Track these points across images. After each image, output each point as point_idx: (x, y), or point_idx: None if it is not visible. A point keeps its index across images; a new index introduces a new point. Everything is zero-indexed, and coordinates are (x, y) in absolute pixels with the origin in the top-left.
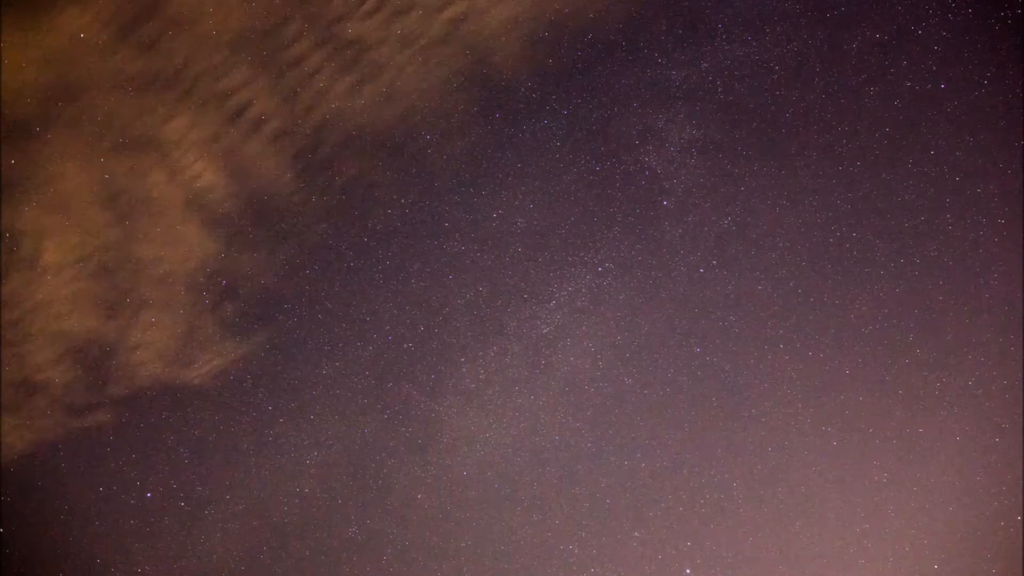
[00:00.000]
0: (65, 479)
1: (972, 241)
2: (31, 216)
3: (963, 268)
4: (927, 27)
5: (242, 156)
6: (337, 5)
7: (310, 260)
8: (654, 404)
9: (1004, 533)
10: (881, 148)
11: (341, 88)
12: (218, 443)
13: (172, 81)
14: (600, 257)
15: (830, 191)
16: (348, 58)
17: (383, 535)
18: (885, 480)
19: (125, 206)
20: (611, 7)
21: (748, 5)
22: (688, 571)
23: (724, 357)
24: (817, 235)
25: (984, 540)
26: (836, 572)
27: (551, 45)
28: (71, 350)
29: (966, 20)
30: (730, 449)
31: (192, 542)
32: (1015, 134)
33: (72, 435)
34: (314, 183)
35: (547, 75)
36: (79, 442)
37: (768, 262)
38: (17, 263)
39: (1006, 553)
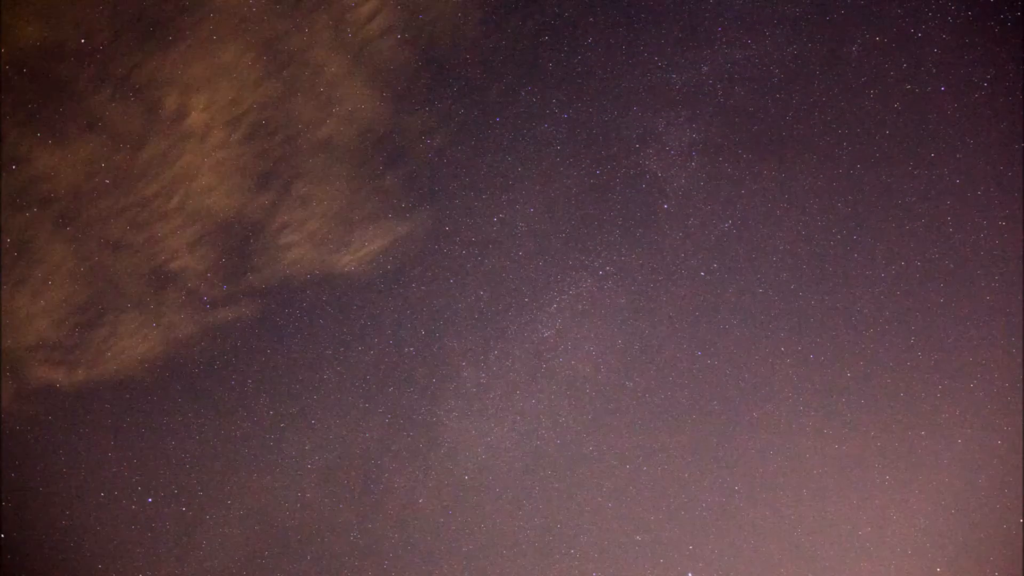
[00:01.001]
0: (66, 484)
1: (973, 244)
2: (176, 63)
3: (964, 271)
4: (926, 30)
5: None
6: None
7: (309, 265)
8: (655, 407)
9: (1006, 536)
10: (881, 151)
11: None
12: (219, 447)
13: None
14: (601, 261)
15: (830, 194)
16: None
17: (384, 539)
18: (887, 483)
19: (285, 54)
20: (611, 10)
21: (748, 8)
22: (690, 575)
23: (725, 360)
24: (817, 238)
25: (986, 543)
26: (838, 575)
27: (551, 49)
28: (212, 230)
29: (965, 22)
30: (732, 452)
31: (193, 547)
32: (1015, 136)
33: (207, 332)
34: (506, 26)
35: (547, 79)
36: (214, 340)
37: (768, 265)
38: (159, 123)
39: (1008, 556)
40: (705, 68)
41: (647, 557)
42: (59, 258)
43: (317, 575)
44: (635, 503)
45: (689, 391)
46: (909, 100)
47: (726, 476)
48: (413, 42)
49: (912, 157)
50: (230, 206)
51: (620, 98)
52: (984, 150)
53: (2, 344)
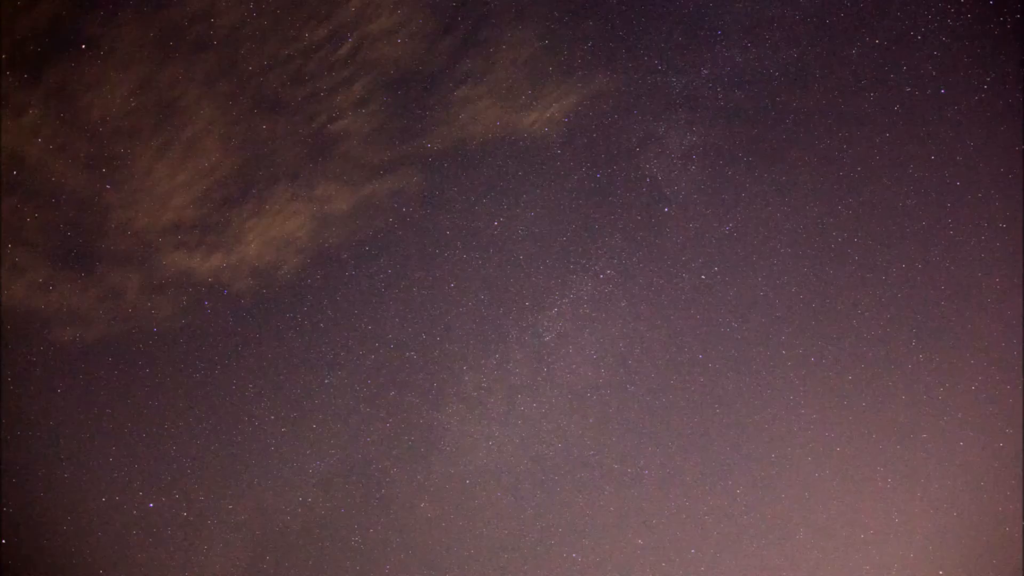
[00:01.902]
0: (67, 489)
1: (973, 246)
2: None
3: (964, 273)
4: (926, 32)
5: None
6: None
7: (311, 269)
8: (657, 411)
9: (1008, 539)
10: (881, 153)
11: None
12: (220, 452)
13: None
14: (602, 264)
15: (831, 196)
16: None
17: (386, 543)
18: (889, 486)
19: None
20: (611, 14)
21: (748, 12)
22: None
23: (726, 363)
24: (818, 240)
25: (988, 546)
26: None
27: (551, 52)
28: (384, 85)
29: (965, 25)
30: (733, 455)
31: (194, 552)
32: (1015, 138)
33: (366, 205)
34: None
35: (548, 83)
36: (371, 216)
37: (769, 268)
38: None
39: (1010, 559)
40: (705, 71)
41: (649, 561)
42: (208, 119)
43: None
44: (636, 506)
45: (690, 394)
46: (909, 102)
47: (727, 479)
48: None
49: (912, 159)
50: (407, 54)
51: (620, 102)
52: (984, 152)
53: (133, 227)
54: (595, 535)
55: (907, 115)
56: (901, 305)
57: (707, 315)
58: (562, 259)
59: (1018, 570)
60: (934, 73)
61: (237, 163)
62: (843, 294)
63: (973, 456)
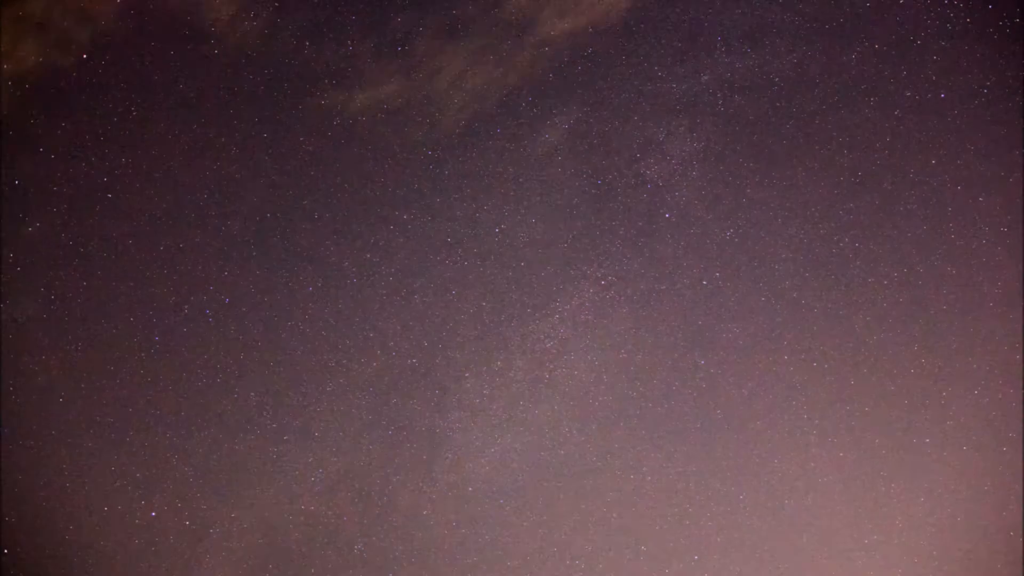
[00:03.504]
0: (68, 498)
1: (975, 250)
2: None
3: (966, 277)
4: (926, 37)
5: None
6: None
7: (312, 276)
8: (659, 417)
9: (1012, 543)
10: (882, 158)
11: None
12: (222, 461)
13: None
14: (603, 270)
15: (832, 201)
16: None
17: (389, 552)
18: (892, 491)
19: None
20: (611, 20)
21: (748, 17)
22: None
23: (728, 369)
24: (820, 246)
25: (991, 550)
26: None
27: (551, 59)
28: None
29: (965, 29)
30: (736, 461)
31: (196, 561)
32: (1016, 142)
33: None
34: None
35: (548, 89)
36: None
37: (771, 273)
38: None
39: (1012, 563)
40: (705, 77)
41: (652, 567)
42: None
43: None
44: (640, 513)
45: (692, 400)
46: (909, 107)
47: (730, 485)
48: None
49: (913, 164)
50: None
51: (620, 108)
52: (985, 156)
53: None
54: (598, 542)
55: (908, 120)
56: (903, 309)
57: (709, 320)
58: (563, 265)
59: (1020, 574)
60: (934, 77)
61: None
62: (845, 299)
63: (975, 460)
